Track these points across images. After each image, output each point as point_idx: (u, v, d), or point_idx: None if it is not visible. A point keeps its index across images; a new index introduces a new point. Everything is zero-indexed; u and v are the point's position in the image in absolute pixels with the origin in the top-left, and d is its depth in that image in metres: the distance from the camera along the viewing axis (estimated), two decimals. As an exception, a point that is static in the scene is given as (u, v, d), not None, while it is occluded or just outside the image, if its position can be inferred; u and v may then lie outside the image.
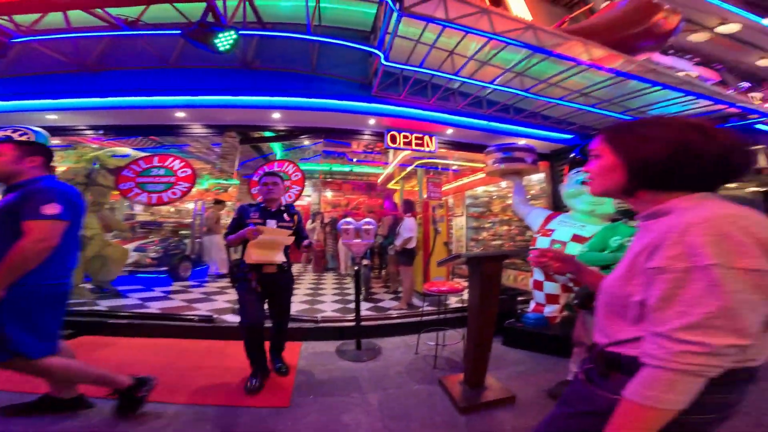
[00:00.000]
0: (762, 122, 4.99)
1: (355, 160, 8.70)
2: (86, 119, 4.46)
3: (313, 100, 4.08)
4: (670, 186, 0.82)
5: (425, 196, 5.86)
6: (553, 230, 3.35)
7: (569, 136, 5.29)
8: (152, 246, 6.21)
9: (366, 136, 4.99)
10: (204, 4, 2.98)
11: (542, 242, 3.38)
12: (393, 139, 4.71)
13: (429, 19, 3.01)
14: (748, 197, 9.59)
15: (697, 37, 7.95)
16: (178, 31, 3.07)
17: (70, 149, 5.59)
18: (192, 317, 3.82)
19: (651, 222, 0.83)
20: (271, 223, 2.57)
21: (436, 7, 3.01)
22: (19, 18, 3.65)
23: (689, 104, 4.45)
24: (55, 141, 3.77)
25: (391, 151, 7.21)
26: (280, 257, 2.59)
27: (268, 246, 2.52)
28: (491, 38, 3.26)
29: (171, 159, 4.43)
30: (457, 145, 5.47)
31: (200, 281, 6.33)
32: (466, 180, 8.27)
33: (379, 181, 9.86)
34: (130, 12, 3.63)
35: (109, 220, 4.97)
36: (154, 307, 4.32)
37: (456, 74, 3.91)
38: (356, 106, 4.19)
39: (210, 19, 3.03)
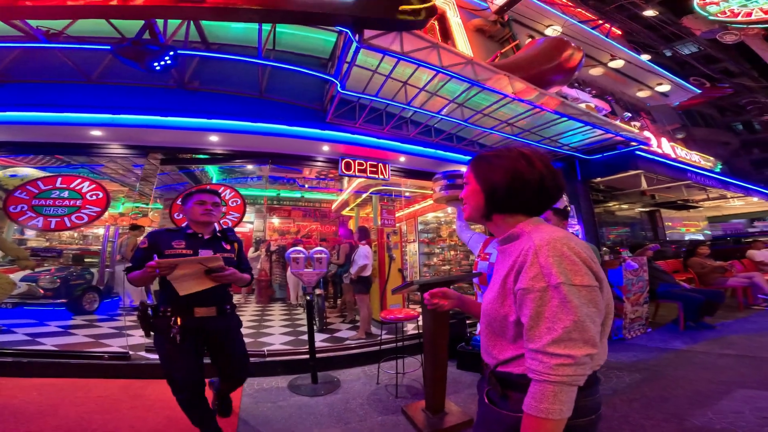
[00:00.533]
0: (641, 149, 6.21)
1: (306, 186, 8.63)
2: None
3: (259, 125, 4.09)
4: (512, 209, 0.96)
5: (380, 223, 6.02)
6: (490, 254, 3.70)
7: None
8: (47, 275, 5.44)
9: (319, 163, 5.11)
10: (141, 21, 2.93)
11: (482, 266, 3.70)
12: (347, 167, 4.91)
13: (385, 52, 3.36)
14: (637, 217, 11.62)
15: (595, 72, 9.89)
16: (108, 47, 2.96)
17: None
18: (101, 354, 3.47)
19: (508, 245, 0.95)
20: (206, 254, 2.00)
21: (392, 40, 3.36)
22: None
23: (588, 133, 5.48)
24: None
25: (345, 178, 7.35)
26: (215, 295, 2.00)
27: (195, 283, 1.90)
28: (438, 71, 3.72)
29: (79, 180, 4.11)
30: (409, 173, 5.83)
31: (111, 314, 5.70)
32: (417, 207, 8.64)
33: (333, 207, 9.87)
34: (54, 23, 3.38)
35: (8, 248, 4.26)
36: (49, 344, 3.90)
37: (408, 104, 4.31)
38: (309, 132, 4.31)
39: (146, 36, 2.98)
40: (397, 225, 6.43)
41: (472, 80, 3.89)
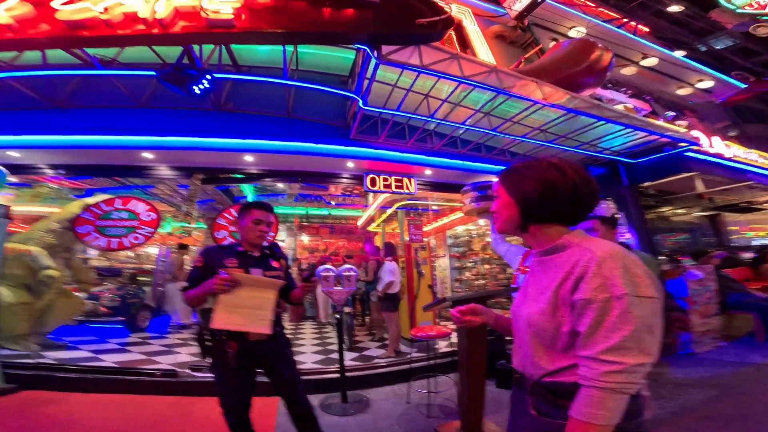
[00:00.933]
0: (691, 150, 5.69)
1: (333, 203, 8.83)
2: (48, 157, 4.44)
3: (288, 144, 4.24)
4: (547, 219, 0.97)
5: (407, 238, 5.98)
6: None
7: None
8: (107, 294, 5.84)
9: (344, 180, 5.19)
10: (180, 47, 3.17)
11: (522, 279, 3.50)
12: (372, 182, 4.93)
13: (404, 66, 3.38)
14: (696, 222, 10.59)
15: (628, 71, 9.38)
16: (153, 73, 3.21)
17: (27, 188, 5.42)
18: (153, 371, 3.61)
19: (552, 257, 0.96)
20: (257, 273, 1.93)
21: (411, 54, 3.39)
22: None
23: (630, 136, 5.11)
24: (12, 179, 3.68)
25: (371, 194, 7.43)
26: (267, 316, 1.86)
27: (251, 304, 1.81)
28: (461, 82, 3.69)
29: (134, 201, 4.35)
30: (435, 186, 5.75)
31: (161, 332, 5.94)
32: (446, 220, 8.45)
33: (358, 224, 9.95)
34: (107, 51, 3.77)
35: (79, 270, 4.72)
36: (110, 360, 4.09)
37: (432, 116, 4.29)
38: (334, 149, 4.40)
39: (185, 61, 3.21)
40: (425, 240, 6.33)
41: (497, 88, 3.83)
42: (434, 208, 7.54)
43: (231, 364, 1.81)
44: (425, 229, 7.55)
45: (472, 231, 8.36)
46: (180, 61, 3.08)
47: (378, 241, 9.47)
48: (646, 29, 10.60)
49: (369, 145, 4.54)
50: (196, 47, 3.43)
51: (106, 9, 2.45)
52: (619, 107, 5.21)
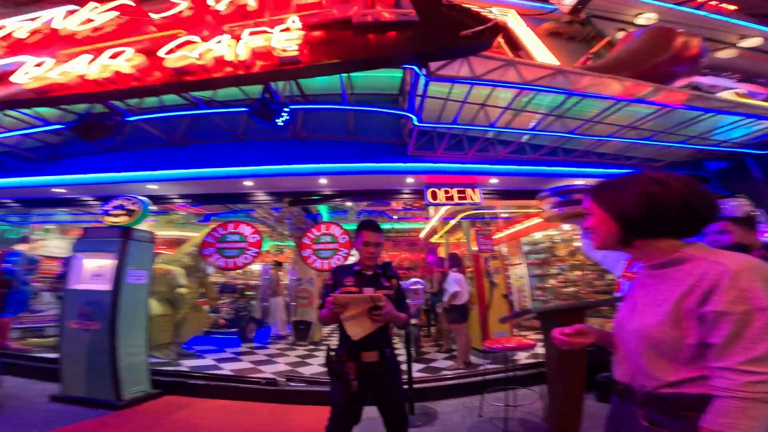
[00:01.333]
0: None
1: (395, 217, 9.10)
2: (177, 189, 5.22)
3: (352, 165, 4.54)
4: (658, 233, 0.95)
5: (474, 248, 5.91)
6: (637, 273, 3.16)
7: (629, 170, 5.24)
8: (225, 308, 6.80)
9: (405, 195, 5.35)
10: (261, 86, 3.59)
11: (627, 287, 3.20)
12: (434, 196, 4.99)
13: (455, 80, 3.39)
14: None
15: (726, 54, 7.80)
16: (245, 109, 3.68)
17: (164, 215, 6.71)
18: (258, 380, 4.02)
19: (670, 270, 0.95)
20: (368, 292, 1.97)
21: (460, 66, 3.38)
22: (129, 100, 4.42)
23: (754, 126, 4.26)
24: (153, 208, 4.66)
25: (432, 207, 7.48)
26: (377, 339, 1.92)
27: (357, 323, 1.87)
28: (522, 88, 3.55)
29: (242, 225, 4.86)
30: (504, 194, 5.57)
31: (263, 343, 6.68)
32: (519, 227, 8.07)
33: (421, 236, 10.02)
34: (206, 93, 4.49)
35: (209, 288, 5.74)
36: (227, 369, 4.64)
37: (492, 126, 4.20)
38: (394, 167, 4.59)
39: (267, 95, 3.60)
40: (496, 248, 6.14)
41: (567, 90, 3.62)
42: (504, 216, 7.23)
43: (352, 387, 1.85)
44: (495, 237, 7.28)
45: (555, 236, 7.80)
46: (263, 96, 3.49)
47: (442, 252, 9.36)
48: (732, 7, 8.66)
49: (427, 160, 4.63)
50: (272, 83, 3.80)
51: (200, 55, 2.89)
52: (726, 94, 4.39)
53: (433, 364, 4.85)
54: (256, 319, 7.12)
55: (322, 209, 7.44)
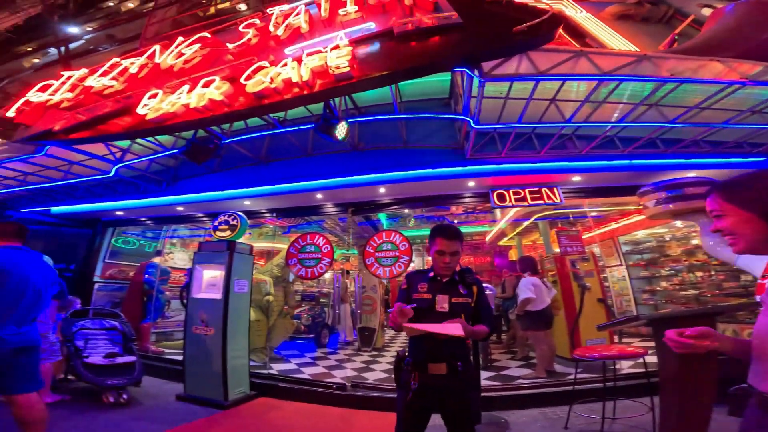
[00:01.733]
0: None
1: (455, 221, 8.81)
2: (265, 204, 5.66)
3: (408, 173, 4.51)
4: None
5: (557, 250, 5.36)
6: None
7: (760, 159, 4.28)
8: (305, 315, 7.28)
9: (466, 199, 5.12)
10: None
11: None
12: (501, 198, 4.68)
13: (514, 78, 3.15)
14: None
15: None
16: (311, 126, 3.84)
17: (257, 228, 7.51)
18: (330, 384, 4.24)
19: None
20: (442, 300, 1.85)
21: (519, 63, 3.14)
22: (224, 125, 4.89)
23: None
24: (250, 222, 5.24)
25: (498, 210, 7.02)
26: (448, 350, 1.79)
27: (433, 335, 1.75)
28: (602, 79, 3.17)
29: (317, 236, 5.11)
30: (590, 192, 5.05)
31: (334, 348, 7.00)
32: (615, 225, 7.23)
33: (487, 239, 9.54)
34: (279, 114, 4.79)
35: (290, 297, 6.33)
36: (306, 372, 4.96)
37: (569, 121, 3.82)
38: (451, 171, 4.44)
39: (327, 111, 3.76)
40: (588, 250, 5.48)
41: (661, 77, 3.18)
42: (593, 215, 6.42)
43: (410, 397, 1.76)
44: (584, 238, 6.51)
45: (664, 234, 6.88)
46: (324, 112, 3.67)
47: (513, 256, 8.90)
48: None
49: (490, 162, 4.39)
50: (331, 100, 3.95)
51: (272, 79, 3.13)
52: None
53: (504, 372, 4.59)
54: (328, 325, 7.44)
55: (382, 217, 7.51)
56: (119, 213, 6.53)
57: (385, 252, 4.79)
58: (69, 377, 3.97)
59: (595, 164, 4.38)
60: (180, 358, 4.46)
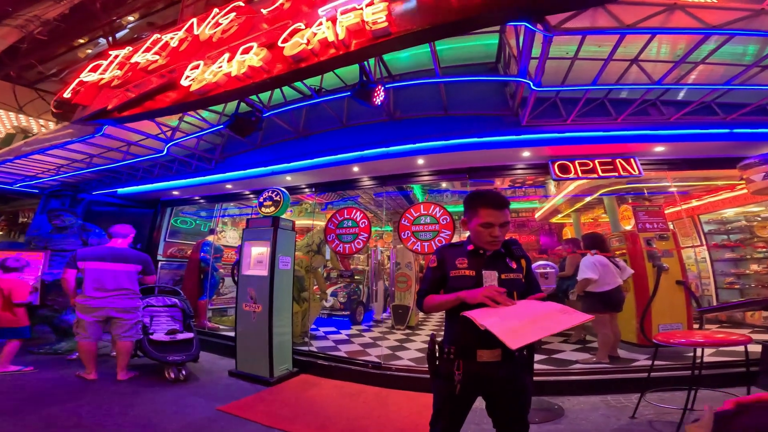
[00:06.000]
0: None
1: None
2: (304, 179, 5.47)
3: (449, 142, 4.12)
4: None
5: (627, 227, 4.71)
6: None
7: None
8: (341, 291, 7.27)
9: (519, 171, 4.62)
10: (357, 68, 3.47)
11: None
12: (563, 169, 4.17)
13: (592, 32, 2.67)
14: None
15: None
16: (347, 93, 3.62)
17: (297, 205, 7.51)
18: (366, 362, 4.20)
19: None
20: (490, 276, 1.59)
21: (592, 20, 2.66)
22: (263, 98, 4.76)
23: None
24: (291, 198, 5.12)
25: (552, 184, 6.30)
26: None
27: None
28: (709, 33, 2.69)
29: (354, 211, 4.96)
30: (677, 164, 4.47)
31: (368, 326, 6.93)
32: (695, 203, 6.52)
33: (537, 216, 8.85)
34: (315, 80, 4.45)
35: (320, 280, 6.29)
36: (343, 350, 4.93)
37: (659, 83, 3.35)
38: (502, 140, 4.00)
39: (364, 78, 3.53)
40: (669, 227, 4.85)
41: None
42: (673, 189, 5.59)
43: (455, 391, 1.51)
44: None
45: (759, 213, 6.15)
46: (361, 78, 3.44)
47: (568, 234, 8.27)
48: None
49: (551, 130, 3.90)
50: (366, 65, 3.68)
51: (308, 40, 2.95)
52: None
53: (557, 356, 4.25)
54: (363, 303, 7.40)
55: (417, 190, 7.13)
56: (175, 193, 6.83)
57: (423, 225, 4.45)
58: (138, 353, 4.17)
59: (685, 132, 3.82)
60: (232, 334, 4.60)
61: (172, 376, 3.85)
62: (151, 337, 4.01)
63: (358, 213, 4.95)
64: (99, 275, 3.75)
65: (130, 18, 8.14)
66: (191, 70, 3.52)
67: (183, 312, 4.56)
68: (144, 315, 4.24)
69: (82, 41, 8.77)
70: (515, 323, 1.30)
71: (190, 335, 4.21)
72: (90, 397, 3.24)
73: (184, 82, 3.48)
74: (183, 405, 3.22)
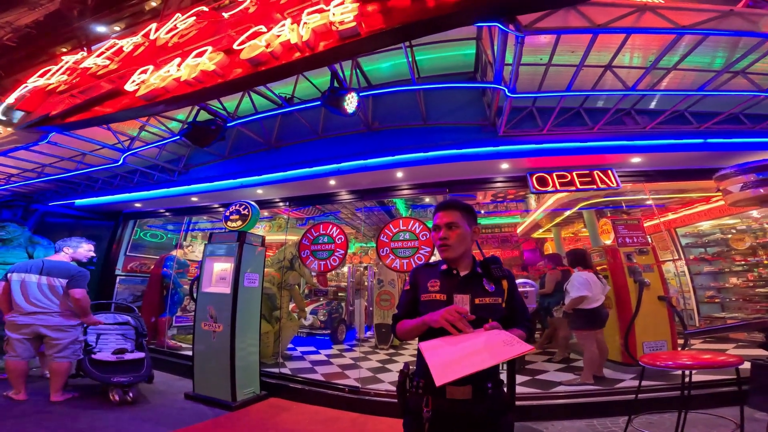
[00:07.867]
0: None
1: (482, 211, 8.08)
2: (277, 192, 5.26)
3: (429, 154, 3.98)
4: None
5: (607, 242, 4.62)
6: None
7: None
8: (321, 309, 6.88)
9: (499, 184, 4.51)
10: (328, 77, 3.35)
11: None
12: (542, 182, 4.07)
13: (564, 31, 2.60)
14: None
15: None
16: (318, 102, 3.40)
17: (272, 220, 7.26)
18: (343, 387, 3.95)
19: None
20: (461, 301, 1.40)
21: (564, 18, 2.60)
22: (229, 107, 4.51)
23: None
24: (265, 213, 4.85)
25: (533, 198, 6.24)
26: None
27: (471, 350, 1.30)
28: (681, 33, 2.69)
29: (330, 226, 4.78)
30: (653, 176, 4.46)
31: (350, 345, 6.64)
32: (671, 216, 6.63)
33: (519, 231, 8.83)
34: (287, 89, 4.23)
35: (297, 297, 5.98)
36: (320, 372, 4.64)
37: (633, 88, 3.28)
38: (480, 151, 3.87)
39: (336, 85, 3.37)
40: (649, 242, 4.79)
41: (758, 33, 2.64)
42: (649, 203, 5.61)
43: (424, 430, 1.33)
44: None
45: (734, 225, 6.24)
46: (332, 85, 3.29)
47: (549, 249, 8.22)
48: None
49: (528, 140, 3.81)
50: (339, 71, 3.58)
51: (268, 43, 2.80)
52: None
53: (541, 377, 4.04)
54: (345, 321, 7.10)
55: (400, 205, 6.98)
56: (137, 205, 6.45)
57: (402, 242, 4.25)
58: (80, 373, 3.86)
59: (660, 143, 3.82)
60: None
61: (117, 398, 3.54)
62: (93, 356, 3.75)
63: (335, 228, 4.74)
64: (23, 288, 3.50)
65: (116, 28, 7.78)
66: (139, 74, 3.31)
67: (136, 330, 4.24)
68: (89, 333, 3.97)
69: (64, 49, 8.34)
70: (454, 356, 1.15)
71: (141, 355, 3.93)
72: (14, 421, 2.96)
73: (129, 87, 3.24)
74: (124, 430, 2.92)
